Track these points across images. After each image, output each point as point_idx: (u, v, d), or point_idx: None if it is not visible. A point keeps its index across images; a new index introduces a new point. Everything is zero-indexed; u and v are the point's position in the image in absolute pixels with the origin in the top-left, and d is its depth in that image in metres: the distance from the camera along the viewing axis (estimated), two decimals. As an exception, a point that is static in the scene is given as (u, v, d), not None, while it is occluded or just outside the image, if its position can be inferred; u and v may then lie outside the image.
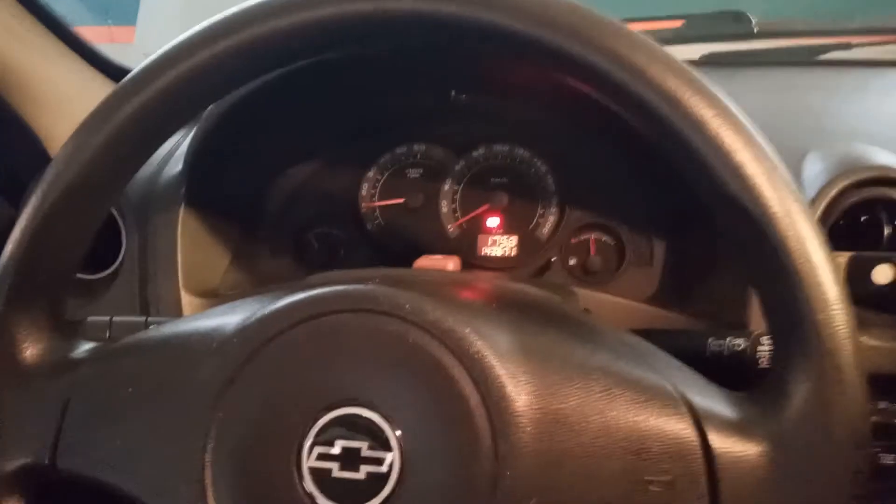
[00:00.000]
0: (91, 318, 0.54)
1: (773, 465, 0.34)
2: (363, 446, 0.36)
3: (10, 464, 0.42)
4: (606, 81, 0.37)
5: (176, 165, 0.67)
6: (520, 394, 0.35)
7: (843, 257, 0.54)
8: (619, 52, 0.36)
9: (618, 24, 0.37)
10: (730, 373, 0.44)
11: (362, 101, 0.67)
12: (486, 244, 0.71)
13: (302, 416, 0.37)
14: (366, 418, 0.37)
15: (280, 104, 0.64)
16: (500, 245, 0.70)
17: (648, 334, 0.47)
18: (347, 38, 0.41)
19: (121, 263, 0.67)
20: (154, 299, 0.63)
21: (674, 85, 0.36)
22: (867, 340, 0.54)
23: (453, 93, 0.64)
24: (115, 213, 0.68)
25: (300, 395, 0.38)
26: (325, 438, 0.37)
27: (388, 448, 0.36)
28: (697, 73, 0.38)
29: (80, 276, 0.70)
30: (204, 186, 0.65)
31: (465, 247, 0.71)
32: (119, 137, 0.43)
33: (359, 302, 0.38)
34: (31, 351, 0.44)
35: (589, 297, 0.66)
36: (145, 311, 0.64)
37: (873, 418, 0.56)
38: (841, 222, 0.57)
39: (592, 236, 0.69)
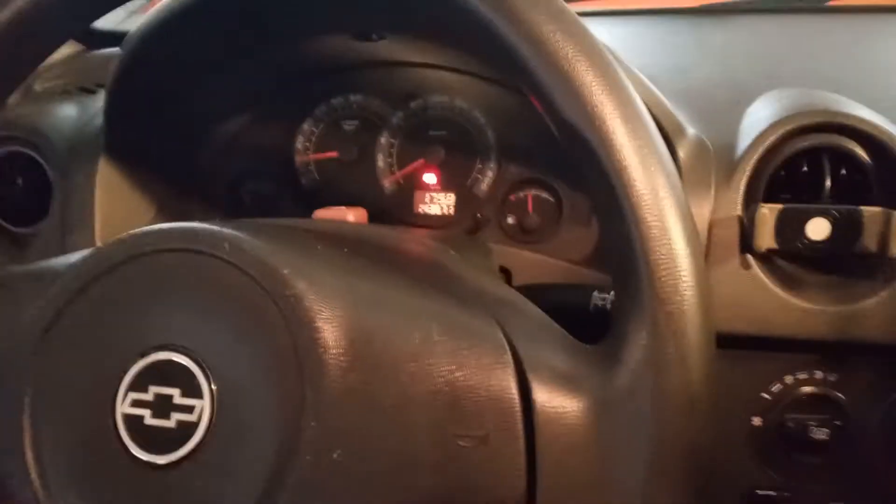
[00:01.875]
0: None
1: (594, 426, 0.30)
2: (175, 393, 0.34)
3: None
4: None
5: (100, 118, 0.65)
6: (333, 338, 0.32)
7: (775, 208, 0.49)
8: None
9: None
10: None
11: (288, 45, 0.64)
12: (422, 201, 0.67)
13: (118, 361, 0.35)
14: (179, 364, 0.34)
15: (197, 55, 0.62)
16: (437, 202, 0.67)
17: (535, 289, 0.43)
18: None
19: (49, 217, 0.66)
20: (71, 251, 0.62)
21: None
22: (797, 302, 0.49)
23: (374, 35, 0.60)
24: (43, 166, 0.67)
25: (117, 339, 0.35)
26: (139, 384, 0.34)
27: (199, 396, 0.34)
28: None
29: (10, 229, 0.69)
30: (124, 138, 0.64)
31: (402, 204, 0.67)
32: None
33: (179, 241, 0.36)
34: None
35: (521, 257, 0.62)
36: (64, 263, 0.63)
37: (806, 388, 0.51)
38: (783, 173, 0.52)
39: (530, 192, 0.64)
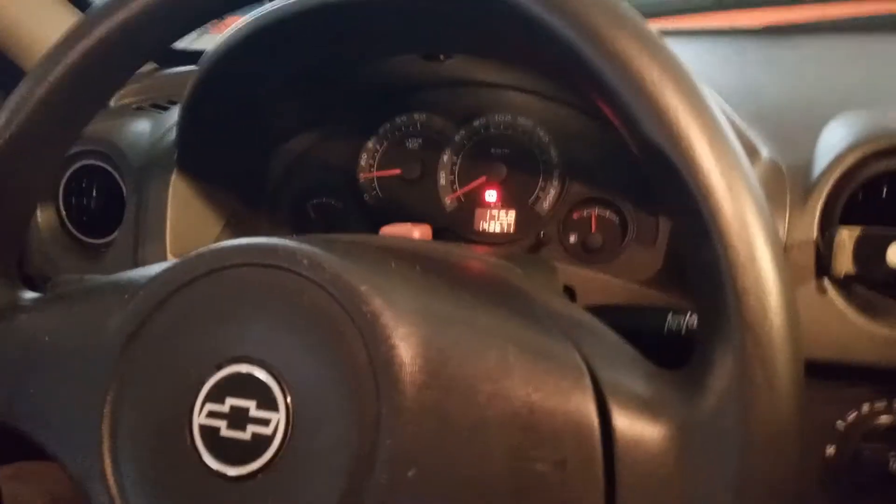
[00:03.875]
0: (64, 276, 0.55)
1: (677, 454, 0.30)
2: (251, 406, 0.34)
3: None
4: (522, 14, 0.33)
5: (174, 133, 0.67)
6: (409, 357, 0.32)
7: (854, 232, 0.47)
8: None
9: None
10: (690, 354, 0.39)
11: (357, 67, 0.65)
12: (483, 218, 0.67)
13: (196, 372, 0.36)
14: (256, 377, 0.35)
15: (270, 74, 0.63)
16: (498, 220, 0.67)
17: (605, 310, 0.43)
18: None
19: (121, 229, 0.69)
20: (143, 263, 0.64)
21: (596, 18, 0.32)
22: (876, 329, 0.47)
23: (442, 56, 0.61)
24: (118, 179, 0.70)
25: (196, 350, 0.36)
26: (216, 396, 0.35)
27: (275, 409, 0.34)
28: (630, 11, 0.33)
29: (85, 239, 0.72)
30: (196, 154, 0.65)
31: (462, 221, 0.67)
32: (62, 87, 0.43)
33: (258, 256, 0.36)
34: None
35: (584, 276, 0.61)
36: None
37: (884, 418, 0.49)
38: (860, 197, 0.50)
39: (594, 211, 0.64)
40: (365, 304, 0.34)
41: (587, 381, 0.32)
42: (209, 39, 0.95)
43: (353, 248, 0.38)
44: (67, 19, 0.79)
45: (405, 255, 0.41)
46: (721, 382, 0.30)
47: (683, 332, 0.41)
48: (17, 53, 0.78)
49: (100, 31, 0.42)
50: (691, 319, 0.41)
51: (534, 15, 0.32)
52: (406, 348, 0.33)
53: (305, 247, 0.36)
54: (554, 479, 0.30)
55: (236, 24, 0.56)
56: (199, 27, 0.47)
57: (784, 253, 0.49)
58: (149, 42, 0.44)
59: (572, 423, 0.31)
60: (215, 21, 0.46)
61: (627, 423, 0.31)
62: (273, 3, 0.55)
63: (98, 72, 0.43)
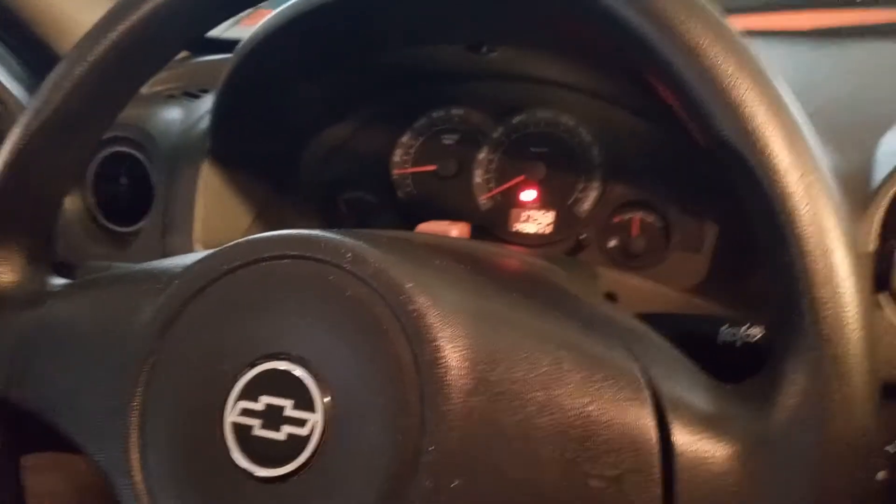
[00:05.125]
0: (90, 263, 0.53)
1: (744, 473, 0.28)
2: (288, 405, 0.33)
3: None
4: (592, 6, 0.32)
5: (206, 121, 0.66)
6: (456, 359, 0.31)
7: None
8: None
9: None
10: (744, 367, 0.37)
11: (400, 53, 0.63)
12: (519, 219, 0.65)
13: (230, 368, 0.34)
14: (294, 375, 0.33)
15: (308, 62, 0.62)
16: (535, 220, 0.65)
17: (655, 317, 0.41)
18: None
19: (149, 217, 0.67)
20: (170, 252, 0.63)
21: (672, 8, 0.30)
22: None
23: (484, 48, 0.59)
24: (147, 167, 0.69)
25: (231, 345, 0.35)
26: (250, 393, 0.34)
27: (312, 409, 0.32)
28: (707, 3, 0.31)
29: (112, 227, 0.71)
30: (229, 143, 0.64)
31: (497, 220, 0.65)
32: (99, 70, 0.42)
33: (299, 247, 0.35)
34: (3, 279, 0.43)
35: (626, 282, 0.59)
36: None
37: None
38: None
39: (636, 216, 0.62)
40: (410, 301, 0.32)
41: (646, 394, 0.30)
42: (241, 29, 0.94)
43: (397, 244, 0.37)
44: (104, 4, 0.79)
45: (448, 252, 0.39)
46: (793, 398, 0.28)
47: (738, 343, 0.39)
48: (53, 37, 0.77)
49: (142, 11, 0.41)
50: (749, 331, 0.39)
51: (608, 4, 0.31)
52: (453, 350, 0.31)
53: (349, 240, 0.34)
54: (609, 497, 0.28)
55: (277, 9, 0.55)
56: (239, 13, 0.45)
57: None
58: (190, 25, 0.43)
59: (630, 437, 0.29)
60: (250, 9, 0.45)
61: (689, 440, 0.29)
62: None
63: (138, 54, 0.42)
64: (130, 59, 0.42)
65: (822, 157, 0.29)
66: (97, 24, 0.42)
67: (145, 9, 0.41)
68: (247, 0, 0.43)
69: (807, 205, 0.28)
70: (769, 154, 0.28)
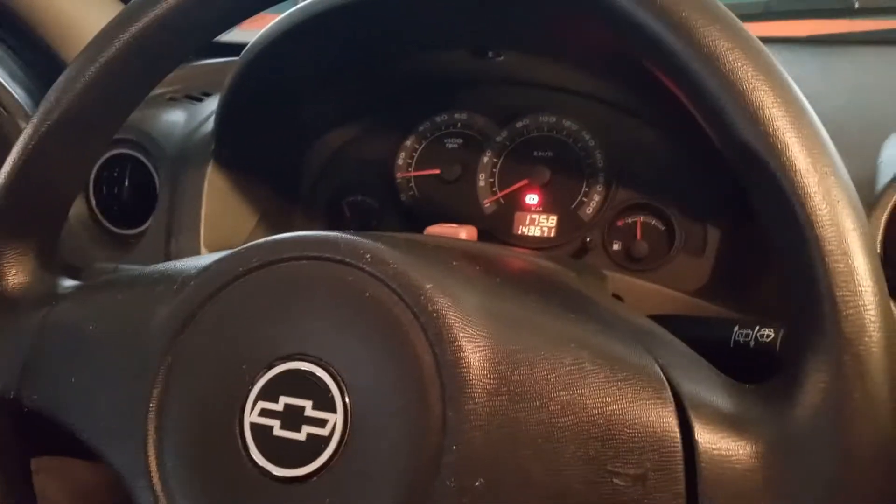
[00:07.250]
0: (97, 265, 0.53)
1: (766, 471, 0.28)
2: (307, 405, 0.33)
3: None
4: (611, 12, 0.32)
5: (210, 124, 0.66)
6: (477, 359, 0.31)
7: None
8: None
9: None
10: (758, 368, 0.37)
11: (401, 61, 0.64)
12: (523, 222, 0.66)
13: (249, 368, 0.34)
14: (313, 375, 0.33)
15: (313, 67, 0.62)
16: (539, 224, 0.65)
17: (667, 319, 0.41)
18: None
19: (153, 219, 0.67)
20: (176, 254, 0.62)
21: (689, 13, 0.31)
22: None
23: (490, 53, 0.59)
24: (151, 169, 0.68)
25: (249, 345, 0.35)
26: (270, 393, 0.34)
27: (332, 409, 0.32)
28: (724, 8, 0.32)
29: (116, 230, 0.71)
30: (234, 147, 0.64)
31: (501, 224, 0.66)
32: (111, 71, 0.42)
33: (317, 248, 0.35)
34: (13, 281, 0.43)
35: (630, 284, 0.59)
36: (168, 266, 0.63)
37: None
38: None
39: (640, 219, 0.62)
40: (431, 302, 0.32)
41: (668, 393, 0.30)
42: (240, 33, 0.94)
43: (415, 246, 0.37)
44: (106, 5, 0.78)
45: (461, 254, 0.40)
46: (814, 398, 0.28)
47: (752, 345, 0.40)
48: (54, 39, 0.77)
49: (154, 14, 0.41)
50: (762, 332, 0.40)
51: (624, 6, 0.31)
52: (473, 350, 0.31)
53: (368, 241, 0.34)
54: (633, 496, 0.29)
55: (282, 15, 0.55)
56: (249, 17, 0.45)
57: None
58: (201, 29, 0.43)
59: (653, 436, 0.29)
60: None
61: (711, 438, 0.29)
62: None
63: (150, 57, 0.42)
64: (142, 62, 0.42)
65: (840, 162, 0.30)
66: (108, 27, 0.42)
67: (157, 12, 0.41)
68: (258, 4, 0.43)
69: (827, 206, 0.28)
70: (789, 156, 0.29)
